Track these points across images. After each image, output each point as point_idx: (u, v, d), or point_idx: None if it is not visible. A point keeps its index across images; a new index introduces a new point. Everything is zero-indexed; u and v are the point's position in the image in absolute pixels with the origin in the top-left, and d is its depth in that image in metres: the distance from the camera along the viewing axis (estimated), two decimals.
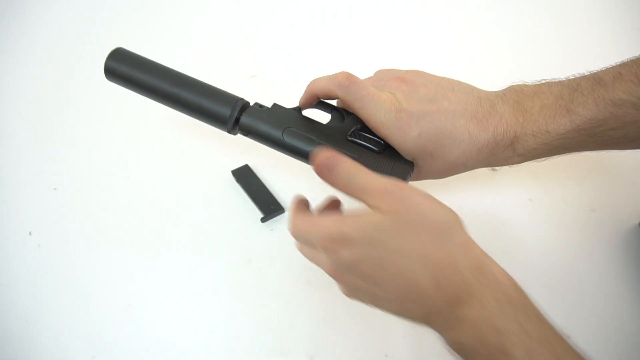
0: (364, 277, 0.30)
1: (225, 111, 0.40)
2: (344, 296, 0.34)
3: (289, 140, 0.39)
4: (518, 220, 0.51)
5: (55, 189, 0.55)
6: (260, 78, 0.61)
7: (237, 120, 0.40)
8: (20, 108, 0.63)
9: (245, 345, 0.44)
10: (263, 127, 0.40)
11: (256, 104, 0.42)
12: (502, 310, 0.27)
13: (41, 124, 0.61)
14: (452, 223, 0.31)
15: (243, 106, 0.41)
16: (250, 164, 0.55)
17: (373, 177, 0.31)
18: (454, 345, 0.29)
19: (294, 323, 0.45)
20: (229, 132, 0.41)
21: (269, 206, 0.51)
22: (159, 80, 0.41)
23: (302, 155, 0.39)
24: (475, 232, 0.50)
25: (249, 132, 0.41)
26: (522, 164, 0.55)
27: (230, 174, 0.54)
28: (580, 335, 0.44)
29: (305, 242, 0.33)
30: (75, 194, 0.54)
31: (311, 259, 0.34)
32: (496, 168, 0.55)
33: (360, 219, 0.30)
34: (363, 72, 0.65)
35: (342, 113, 0.40)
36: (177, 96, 0.41)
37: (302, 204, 0.35)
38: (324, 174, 0.32)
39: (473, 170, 0.54)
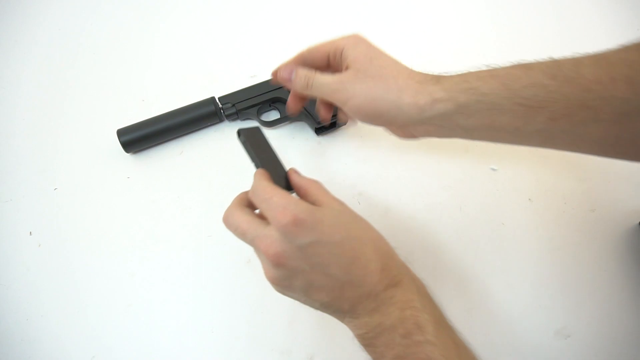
0: (314, 260, 0.31)
1: (210, 108, 0.57)
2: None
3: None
4: (518, 220, 0.51)
5: (55, 189, 0.55)
6: (260, 78, 0.61)
7: (222, 110, 0.57)
8: (20, 108, 0.63)
9: (245, 345, 0.44)
10: (242, 95, 0.58)
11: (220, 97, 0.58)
12: (419, 295, 0.33)
13: (41, 124, 0.61)
14: None
15: (215, 100, 0.57)
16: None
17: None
18: (373, 329, 0.32)
19: (294, 323, 0.45)
20: (227, 118, 0.58)
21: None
22: (161, 124, 0.55)
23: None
24: (476, 232, 0.51)
25: (233, 105, 0.57)
26: (523, 163, 0.56)
27: None
28: (580, 334, 0.44)
29: (262, 208, 0.33)
30: (75, 194, 0.54)
31: (243, 230, 0.34)
32: (495, 168, 0.55)
33: (327, 206, 0.34)
34: None
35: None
36: (179, 124, 0.56)
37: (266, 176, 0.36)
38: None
39: (473, 170, 0.55)
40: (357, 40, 0.40)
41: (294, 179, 0.38)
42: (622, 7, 0.71)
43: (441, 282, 0.47)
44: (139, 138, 0.55)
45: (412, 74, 0.38)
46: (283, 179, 0.38)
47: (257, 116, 0.59)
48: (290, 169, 0.39)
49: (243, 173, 0.55)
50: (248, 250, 0.49)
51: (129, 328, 0.45)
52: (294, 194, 0.38)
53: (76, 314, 0.46)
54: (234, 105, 0.58)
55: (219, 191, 0.54)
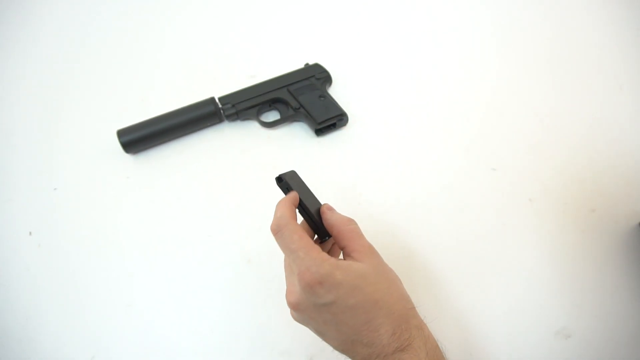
0: (327, 318, 0.34)
1: (210, 108, 0.57)
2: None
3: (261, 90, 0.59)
4: (518, 220, 0.51)
5: (55, 189, 0.55)
6: (260, 78, 0.61)
7: (222, 110, 0.58)
8: (20, 108, 0.63)
9: (245, 345, 0.44)
10: (242, 95, 0.59)
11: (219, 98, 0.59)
12: (427, 358, 0.34)
13: (41, 124, 0.61)
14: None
15: (215, 100, 0.58)
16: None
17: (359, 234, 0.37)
18: None
19: (294, 323, 0.45)
20: (227, 118, 0.59)
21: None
22: (161, 124, 0.56)
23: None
24: (475, 232, 0.51)
25: (233, 105, 0.58)
26: (523, 163, 0.55)
27: None
28: (580, 334, 0.44)
29: (287, 257, 0.36)
30: (75, 194, 0.54)
31: (286, 262, 0.37)
32: (495, 168, 0.55)
33: (351, 266, 0.34)
34: (359, 72, 0.65)
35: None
36: (178, 124, 0.56)
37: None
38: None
39: (473, 170, 0.55)
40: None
41: (326, 216, 0.38)
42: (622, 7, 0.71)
43: (441, 282, 0.47)
44: (139, 138, 0.55)
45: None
46: (318, 214, 0.38)
47: (257, 116, 0.59)
48: (325, 204, 0.39)
49: (243, 173, 0.55)
50: (248, 250, 0.49)
51: (129, 328, 0.45)
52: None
53: (76, 314, 0.46)
54: (233, 105, 0.58)
55: (219, 191, 0.54)
